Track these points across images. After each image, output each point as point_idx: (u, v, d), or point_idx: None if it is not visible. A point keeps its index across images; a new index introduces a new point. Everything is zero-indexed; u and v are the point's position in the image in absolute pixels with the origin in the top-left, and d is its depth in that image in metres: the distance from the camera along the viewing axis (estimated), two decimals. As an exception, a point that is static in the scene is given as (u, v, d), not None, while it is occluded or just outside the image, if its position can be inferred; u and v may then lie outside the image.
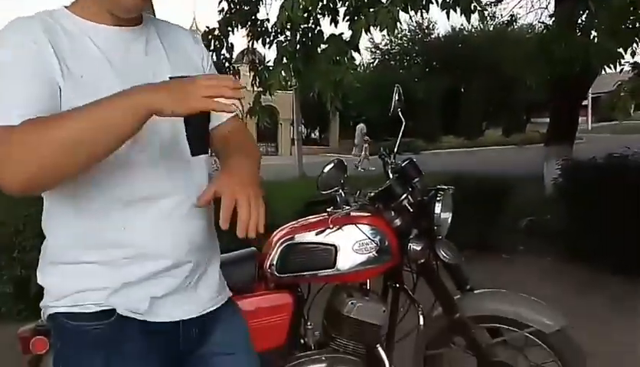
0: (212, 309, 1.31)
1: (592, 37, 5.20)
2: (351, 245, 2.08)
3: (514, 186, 5.98)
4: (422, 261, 2.17)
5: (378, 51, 32.94)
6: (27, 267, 3.79)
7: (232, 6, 5.70)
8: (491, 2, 10.92)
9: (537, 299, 2.24)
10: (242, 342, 1.38)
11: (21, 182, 0.96)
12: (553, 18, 6.72)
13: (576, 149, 7.92)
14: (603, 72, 5.79)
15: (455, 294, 2.27)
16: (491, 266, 4.86)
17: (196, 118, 1.09)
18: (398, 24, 4.03)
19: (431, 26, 31.99)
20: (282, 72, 4.73)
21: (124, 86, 1.01)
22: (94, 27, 1.14)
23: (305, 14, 4.63)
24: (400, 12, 4.03)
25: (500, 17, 17.88)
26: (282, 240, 2.11)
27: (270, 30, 5.54)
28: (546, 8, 9.92)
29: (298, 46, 4.87)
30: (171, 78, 1.16)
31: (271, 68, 5.00)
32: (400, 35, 31.14)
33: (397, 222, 2.15)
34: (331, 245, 2.08)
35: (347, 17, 4.87)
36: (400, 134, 2.32)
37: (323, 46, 4.67)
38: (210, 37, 5.60)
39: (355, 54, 4.49)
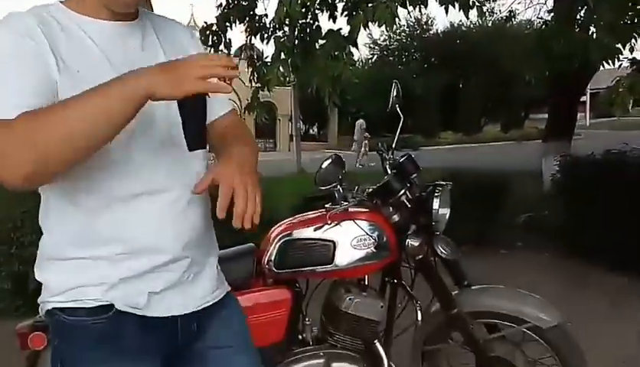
0: (211, 303, 1.31)
1: (590, 33, 5.19)
2: (349, 240, 2.08)
3: (512, 182, 5.99)
4: (420, 256, 2.17)
5: (376, 47, 32.89)
6: (25, 263, 3.79)
7: (230, 1, 5.69)
8: (490, -2, 10.88)
9: (534, 295, 2.25)
10: (241, 335, 1.38)
11: (23, 175, 0.95)
12: (552, 14, 6.71)
13: (575, 145, 7.92)
14: (602, 68, 5.79)
15: (453, 290, 2.28)
16: (489, 262, 4.87)
17: (192, 112, 1.08)
18: (396, 19, 4.03)
19: (429, 22, 31.98)
20: (280, 67, 4.72)
21: None
22: (90, 21, 1.13)
23: (303, 10, 4.62)
24: (399, 8, 4.03)
25: (498, 13, 17.91)
26: (280, 236, 2.12)
27: (268, 25, 5.53)
28: (545, 3, 9.90)
29: (296, 41, 4.87)
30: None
31: (269, 64, 4.99)
32: (398, 31, 31.10)
33: (395, 217, 2.16)
34: (330, 240, 2.08)
35: (346, 13, 4.86)
36: (398, 129, 2.32)
37: (321, 41, 4.66)
38: (208, 32, 5.59)
39: (353, 50, 4.48)
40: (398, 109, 2.30)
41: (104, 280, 1.15)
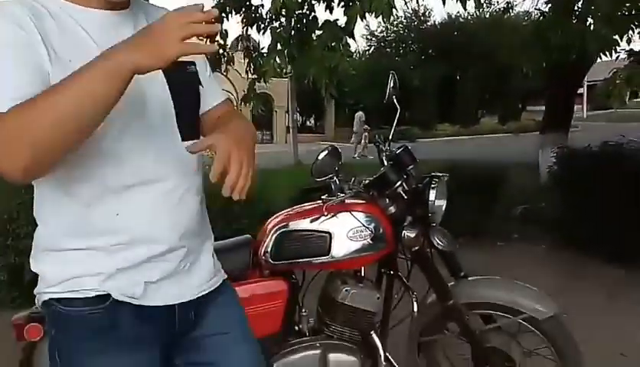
0: (207, 291, 1.31)
1: (588, 24, 5.18)
2: (346, 232, 2.08)
3: (509, 174, 6.00)
4: (416, 248, 2.17)
5: (374, 38, 32.80)
6: (21, 254, 3.78)
7: (226, -8, 5.65)
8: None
9: (530, 286, 2.25)
10: (238, 321, 1.38)
11: (21, 168, 0.95)
12: (550, 5, 6.70)
13: (572, 137, 7.92)
14: (599, 59, 5.79)
15: (449, 281, 2.28)
16: (485, 253, 4.88)
17: (186, 102, 1.07)
18: (393, 10, 4.00)
19: (427, 13, 31.85)
20: (277, 58, 4.70)
21: None
22: (81, 10, 1.12)
23: (300, 0, 4.59)
24: (395, -2, 4.00)
25: (496, 5, 17.85)
26: (276, 227, 2.12)
27: (264, 16, 5.50)
28: (543, -6, 9.88)
29: (292, 32, 4.84)
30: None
31: (265, 55, 4.97)
32: (395, 22, 30.98)
33: (392, 209, 2.16)
34: (326, 232, 2.08)
35: (342, 3, 4.83)
36: (395, 121, 2.31)
37: (318, 32, 4.63)
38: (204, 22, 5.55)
39: (350, 41, 4.47)
40: (395, 101, 2.29)
41: (101, 271, 1.15)
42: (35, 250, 1.22)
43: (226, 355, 1.31)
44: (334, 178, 2.12)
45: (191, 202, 1.25)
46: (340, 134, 27.69)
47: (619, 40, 4.96)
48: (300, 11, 4.86)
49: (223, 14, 5.54)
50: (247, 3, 5.62)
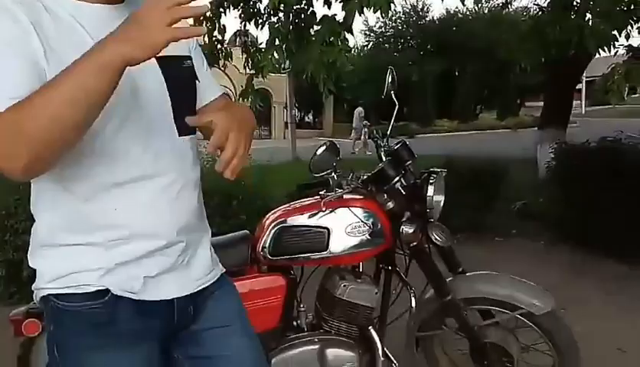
0: (206, 285, 1.31)
1: (586, 20, 5.17)
2: (344, 227, 2.08)
3: (507, 169, 5.99)
4: (414, 243, 2.18)
5: (372, 34, 32.74)
6: (19, 250, 3.78)
7: (224, -13, 5.63)
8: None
9: (528, 281, 2.26)
10: (236, 314, 1.38)
11: (21, 167, 0.95)
12: (548, 1, 6.68)
13: (570, 133, 7.92)
14: (597, 55, 5.78)
15: (448, 277, 2.29)
16: (484, 249, 4.89)
17: (183, 97, 1.06)
18: (392, 5, 4.00)
19: (425, 8, 31.80)
20: (275, 53, 4.70)
21: None
22: (77, 4, 1.11)
23: (298, -5, 4.59)
24: (394, -7, 4.00)
25: (495, 0, 17.79)
26: (274, 223, 2.12)
27: (263, 11, 5.49)
28: (542, -10, 9.86)
29: (290, 27, 4.83)
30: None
31: (263, 50, 4.96)
32: (394, 17, 30.94)
33: (390, 204, 2.15)
34: (324, 227, 2.08)
35: (341, -1, 4.83)
36: (394, 116, 2.31)
37: (316, 27, 4.63)
38: (201, 18, 5.53)
39: (349, 36, 4.46)
40: (393, 96, 2.29)
41: (99, 266, 1.15)
42: (33, 246, 1.22)
43: (225, 348, 1.31)
44: (333, 174, 2.12)
45: (188, 197, 1.25)
46: (338, 130, 27.66)
47: (618, 36, 4.95)
48: (298, 6, 4.85)
49: (221, 9, 5.53)
50: (245, -2, 5.61)
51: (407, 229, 2.12)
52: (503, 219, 5.77)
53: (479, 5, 23.86)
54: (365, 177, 2.22)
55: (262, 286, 2.08)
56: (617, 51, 5.19)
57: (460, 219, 5.03)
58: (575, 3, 5.80)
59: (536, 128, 9.17)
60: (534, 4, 7.93)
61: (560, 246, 5.13)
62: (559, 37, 5.18)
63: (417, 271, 2.26)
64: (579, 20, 5.17)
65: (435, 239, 2.18)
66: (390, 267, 2.26)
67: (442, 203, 2.16)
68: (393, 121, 2.32)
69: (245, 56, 5.75)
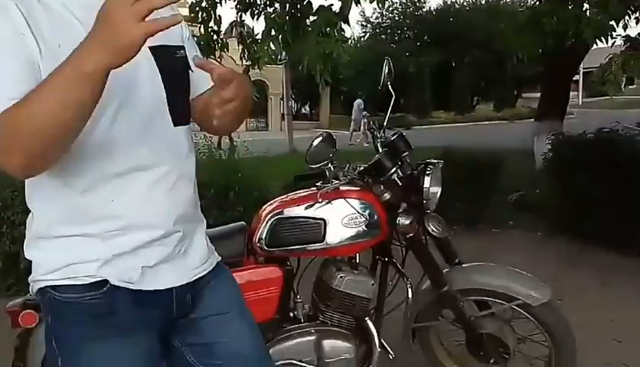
0: (203, 274, 1.32)
1: (584, 10, 5.16)
2: (340, 219, 2.08)
3: (504, 161, 5.99)
4: (411, 234, 2.18)
5: (369, 25, 32.64)
6: (15, 241, 3.78)
7: (220, -23, 5.60)
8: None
9: (524, 272, 2.26)
10: (234, 301, 1.39)
11: (17, 168, 0.97)
12: (545, -9, 6.65)
13: (567, 124, 7.92)
14: (595, 46, 5.77)
15: (444, 268, 2.29)
16: (481, 240, 4.90)
17: (176, 87, 1.06)
18: (389, -4, 3.98)
19: (422, -1, 31.72)
20: (271, 44, 4.68)
21: None
22: None
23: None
24: (391, -16, 3.98)
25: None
26: (271, 214, 2.11)
27: (259, 1, 5.46)
28: (539, -20, 9.82)
29: (287, 17, 4.81)
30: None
31: (259, 41, 4.94)
32: (390, 8, 30.85)
33: (386, 196, 2.15)
34: (321, 219, 2.08)
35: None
36: (390, 107, 2.30)
37: (312, 18, 4.60)
38: (197, 8, 5.51)
39: (345, 27, 4.44)
40: (390, 87, 2.28)
41: (97, 257, 1.15)
42: (29, 237, 1.22)
43: (224, 335, 1.32)
44: (329, 165, 2.12)
45: (184, 187, 1.25)
46: (335, 122, 27.63)
47: (615, 26, 4.94)
48: (294, -4, 4.83)
49: (217, 0, 5.50)
50: (241, -12, 5.58)
51: (404, 220, 2.12)
52: (500, 211, 5.77)
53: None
54: (362, 168, 2.22)
55: (258, 277, 2.08)
56: (614, 42, 5.17)
57: (457, 210, 5.04)
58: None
59: (533, 120, 9.18)
60: (531, -6, 7.91)
61: (556, 237, 5.14)
62: (556, 28, 5.15)
63: (414, 262, 2.26)
64: (576, 10, 5.15)
65: (432, 230, 2.18)
66: (386, 259, 2.27)
67: (438, 194, 2.16)
68: (389, 112, 2.32)
69: (241, 47, 5.72)
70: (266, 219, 2.10)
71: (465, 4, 29.56)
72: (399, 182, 2.16)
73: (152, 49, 1.13)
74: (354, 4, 4.11)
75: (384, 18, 32.02)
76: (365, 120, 19.30)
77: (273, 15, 4.83)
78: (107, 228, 1.14)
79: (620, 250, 4.46)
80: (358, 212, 2.09)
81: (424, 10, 31.77)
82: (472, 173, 5.26)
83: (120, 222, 1.15)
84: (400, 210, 2.14)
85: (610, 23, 4.83)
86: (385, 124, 2.32)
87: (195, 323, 1.31)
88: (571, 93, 9.49)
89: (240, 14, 5.70)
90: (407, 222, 2.12)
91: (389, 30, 32.28)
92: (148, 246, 1.18)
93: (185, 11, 5.54)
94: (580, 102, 32.06)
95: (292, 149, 15.63)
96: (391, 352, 2.26)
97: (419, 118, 26.78)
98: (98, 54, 0.89)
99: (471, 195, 5.24)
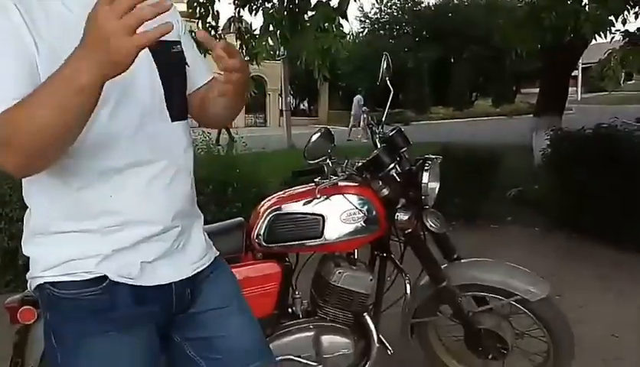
0: (201, 268, 1.32)
1: (583, 5, 5.15)
2: (339, 215, 2.08)
3: (502, 156, 5.99)
4: (409, 230, 2.18)
5: (367, 21, 32.59)
6: (14, 237, 3.77)
7: (218, -28, 5.58)
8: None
9: (522, 268, 2.26)
10: (233, 295, 1.39)
11: (12, 169, 0.98)
12: (544, -14, 6.64)
13: (566, 120, 7.91)
14: (594, 41, 5.76)
15: (442, 263, 2.29)
16: (479, 236, 4.90)
17: (173, 82, 1.06)
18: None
19: (421, -6, 31.64)
20: (269, 40, 4.67)
21: None
22: None
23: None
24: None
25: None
26: (269, 210, 2.11)
27: (257, -4, 5.44)
28: (538, -24, 9.79)
29: (285, 13, 4.79)
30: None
31: (258, 36, 4.93)
32: (389, 4, 30.82)
33: (385, 191, 2.15)
34: (319, 215, 2.08)
35: (335, -16, 4.78)
36: (389, 103, 2.30)
37: (310, 13, 4.59)
38: (195, 4, 5.49)
39: (344, 22, 4.43)
40: (388, 82, 2.28)
41: (96, 253, 1.15)
42: (27, 234, 1.21)
43: (224, 329, 1.32)
44: (327, 161, 2.11)
45: (182, 183, 1.25)
46: (333, 118, 27.61)
47: (614, 21, 4.93)
48: (292, -8, 4.82)
49: (216, -5, 5.48)
50: (239, -16, 5.56)
51: (402, 216, 2.11)
52: (498, 206, 5.77)
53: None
54: (360, 163, 2.22)
55: (257, 273, 2.08)
56: (613, 37, 5.17)
57: (455, 205, 5.05)
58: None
59: (531, 115, 9.17)
60: (530, -11, 7.89)
61: (555, 233, 5.15)
62: (555, 23, 5.15)
63: (412, 258, 2.26)
64: (575, 5, 5.14)
65: (430, 226, 2.18)
66: (384, 254, 2.26)
67: (437, 190, 2.16)
68: (388, 107, 2.31)
69: (239, 42, 5.71)
70: (265, 215, 2.10)
71: (463, -1, 29.54)
72: (397, 178, 2.16)
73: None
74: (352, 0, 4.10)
75: (383, 14, 32.01)
76: (365, 115, 19.30)
77: (271, 11, 4.82)
78: (106, 224, 1.14)
79: (619, 245, 4.47)
80: (357, 208, 2.09)
81: (423, 5, 31.74)
82: (471, 169, 5.25)
83: (119, 217, 1.15)
84: (399, 206, 2.14)
85: (609, 18, 4.82)
86: (383, 119, 2.32)
87: (195, 318, 1.31)
88: (570, 89, 9.48)
89: (237, 9, 5.68)
90: (406, 217, 2.11)
91: (387, 26, 32.24)
92: (146, 241, 1.18)
93: (183, 7, 5.52)
94: (579, 98, 32.09)
95: (290, 145, 15.62)
96: (389, 348, 2.26)
97: (417, 113, 26.76)
98: (92, 69, 0.88)
99: (469, 191, 5.24)
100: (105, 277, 1.15)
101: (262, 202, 2.21)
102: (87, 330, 1.16)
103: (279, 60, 17.56)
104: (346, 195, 2.10)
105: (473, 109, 30.25)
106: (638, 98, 22.34)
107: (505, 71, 25.90)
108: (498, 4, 20.95)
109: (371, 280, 2.16)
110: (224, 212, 3.85)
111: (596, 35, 5.04)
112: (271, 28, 4.67)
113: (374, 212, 2.11)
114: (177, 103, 1.24)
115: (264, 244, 2.09)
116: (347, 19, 4.49)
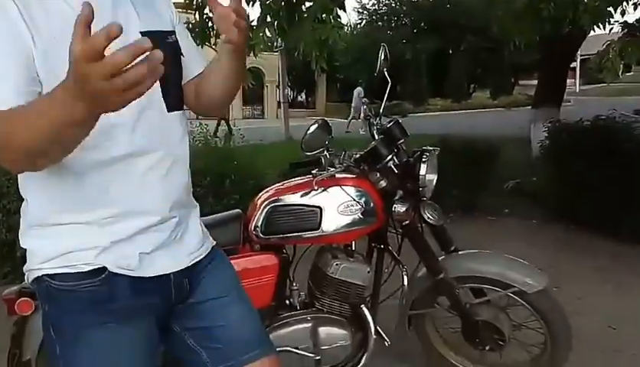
0: (199, 258, 1.32)
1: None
2: (336, 206, 2.08)
3: (500, 148, 5.99)
4: (406, 222, 2.18)
5: (365, 12, 32.47)
6: (11, 230, 3.77)
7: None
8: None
9: (520, 259, 2.26)
10: (231, 284, 1.39)
11: (19, 164, 1.00)
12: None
13: (564, 112, 7.91)
14: (592, 32, 5.75)
15: (440, 255, 2.29)
16: (477, 228, 4.91)
17: (169, 72, 1.05)
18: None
19: (419, -14, 31.51)
20: (267, 31, 4.65)
21: None
22: None
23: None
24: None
25: (489, -23, 17.58)
26: (267, 202, 2.11)
27: (255, -13, 5.41)
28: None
29: (282, 3, 4.77)
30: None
31: (255, 27, 4.91)
32: (387, -6, 30.70)
33: (382, 183, 2.15)
34: (316, 206, 2.08)
35: (333, -26, 4.76)
36: (386, 95, 2.29)
37: (308, 4, 4.57)
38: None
39: (342, 13, 4.42)
40: (386, 74, 2.27)
41: (95, 244, 1.14)
42: (24, 226, 1.21)
43: (223, 318, 1.32)
44: (325, 152, 2.11)
45: (179, 173, 1.25)
46: (331, 110, 27.57)
47: (613, 12, 4.92)
48: (290, -18, 4.79)
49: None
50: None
51: (400, 208, 2.11)
52: (496, 198, 5.78)
53: (474, -18, 23.65)
54: (357, 155, 2.21)
55: (254, 265, 2.08)
56: (612, 28, 5.16)
57: (453, 197, 5.05)
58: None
59: (530, 107, 9.16)
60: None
61: (552, 224, 5.15)
62: (554, 14, 5.14)
63: (409, 250, 2.26)
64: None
65: (428, 218, 2.18)
66: (382, 246, 2.27)
67: (434, 182, 2.16)
68: (385, 99, 2.30)
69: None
70: (262, 207, 2.10)
71: (462, -10, 29.38)
72: (395, 169, 2.16)
73: (144, 34, 1.11)
74: (350, -9, 4.08)
75: (381, 5, 31.85)
76: (365, 107, 19.26)
77: (268, 2, 4.80)
78: (103, 216, 1.14)
79: (616, 237, 4.48)
80: (354, 200, 2.09)
81: (421, -4, 31.59)
82: (469, 161, 5.25)
83: (116, 208, 1.15)
84: (396, 198, 2.14)
85: (608, 9, 4.81)
86: (381, 111, 2.31)
87: (194, 308, 1.32)
88: (568, 80, 9.47)
89: (235, 0, 5.64)
90: (403, 209, 2.11)
91: (385, 17, 32.08)
92: (144, 232, 1.18)
93: (179, -2, 5.49)
94: (577, 90, 32.10)
95: (288, 137, 15.61)
96: (387, 339, 2.26)
97: (415, 105, 26.74)
98: (85, 109, 0.83)
99: (467, 182, 5.24)
100: (104, 269, 1.15)
101: (260, 194, 2.21)
102: (86, 322, 1.16)
103: (276, 52, 17.51)
104: (343, 187, 2.10)
105: (471, 101, 30.25)
106: (637, 89, 22.35)
107: (503, 63, 25.84)
108: (497, -5, 20.86)
109: (369, 272, 2.16)
110: (222, 204, 3.84)
111: (595, 26, 5.03)
112: (268, 19, 4.65)
113: (372, 204, 2.11)
114: (174, 93, 1.24)
115: (262, 236, 2.09)
116: (345, 10, 4.48)
